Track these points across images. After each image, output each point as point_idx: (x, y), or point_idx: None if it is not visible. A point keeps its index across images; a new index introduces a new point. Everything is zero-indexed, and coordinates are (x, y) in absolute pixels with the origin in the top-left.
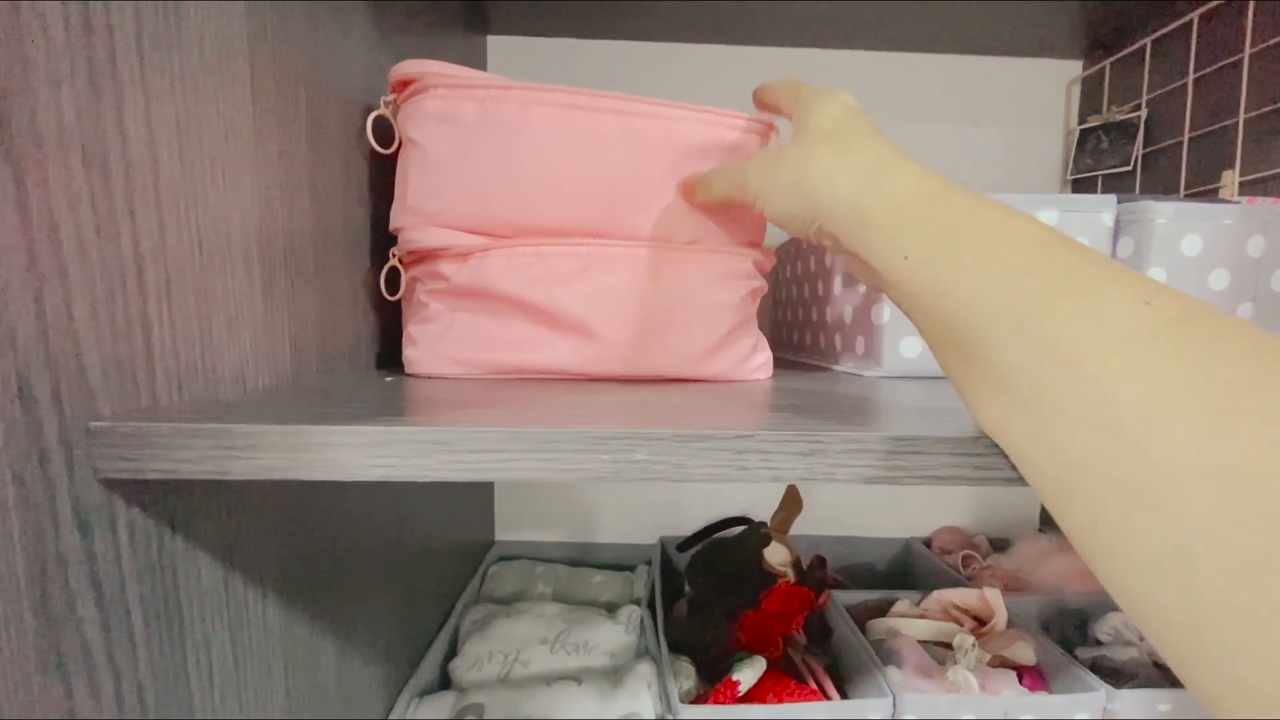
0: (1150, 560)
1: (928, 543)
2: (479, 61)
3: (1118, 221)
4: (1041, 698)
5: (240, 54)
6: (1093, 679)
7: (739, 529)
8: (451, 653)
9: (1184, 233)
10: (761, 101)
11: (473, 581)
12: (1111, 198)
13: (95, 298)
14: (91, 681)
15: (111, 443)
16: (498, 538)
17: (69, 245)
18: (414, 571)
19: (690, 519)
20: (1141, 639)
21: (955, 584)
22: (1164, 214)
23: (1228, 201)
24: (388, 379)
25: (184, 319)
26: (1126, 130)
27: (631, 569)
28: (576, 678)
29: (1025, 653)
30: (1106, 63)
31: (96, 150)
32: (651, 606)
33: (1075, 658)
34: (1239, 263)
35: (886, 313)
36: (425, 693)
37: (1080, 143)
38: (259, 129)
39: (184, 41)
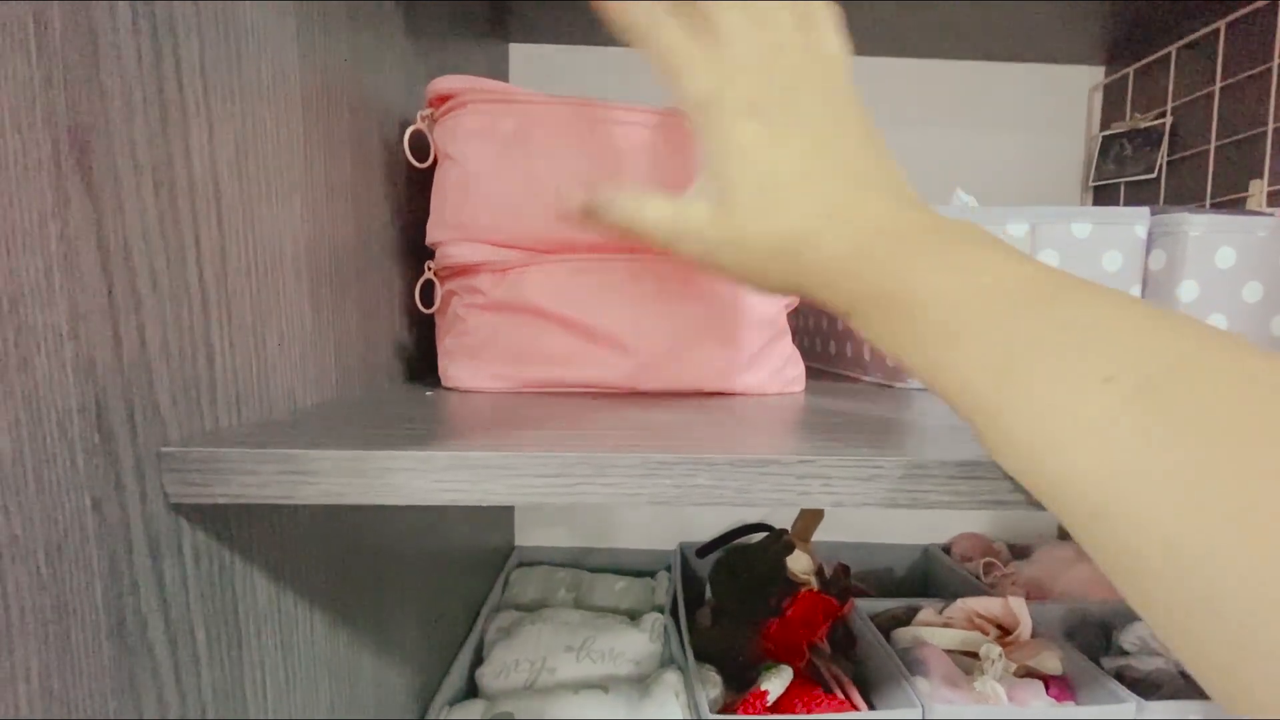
0: (1161, 621)
1: (947, 549)
2: (501, 69)
3: (1150, 234)
4: (1071, 709)
5: (292, 76)
6: (1122, 690)
7: (759, 535)
8: (478, 660)
9: (1218, 245)
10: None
11: (495, 588)
12: (1144, 210)
13: (165, 324)
14: (161, 702)
15: (182, 467)
16: (518, 543)
17: (142, 274)
18: (441, 578)
19: (708, 525)
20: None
21: (976, 591)
22: (1197, 226)
23: (1261, 213)
24: (428, 394)
25: (242, 340)
26: (1150, 137)
27: (651, 575)
28: (603, 686)
29: (1052, 662)
30: (1130, 69)
31: (165, 178)
32: (674, 614)
33: (1100, 667)
34: (1273, 275)
35: None
36: (454, 700)
37: (1103, 149)
38: (308, 148)
39: (243, 63)
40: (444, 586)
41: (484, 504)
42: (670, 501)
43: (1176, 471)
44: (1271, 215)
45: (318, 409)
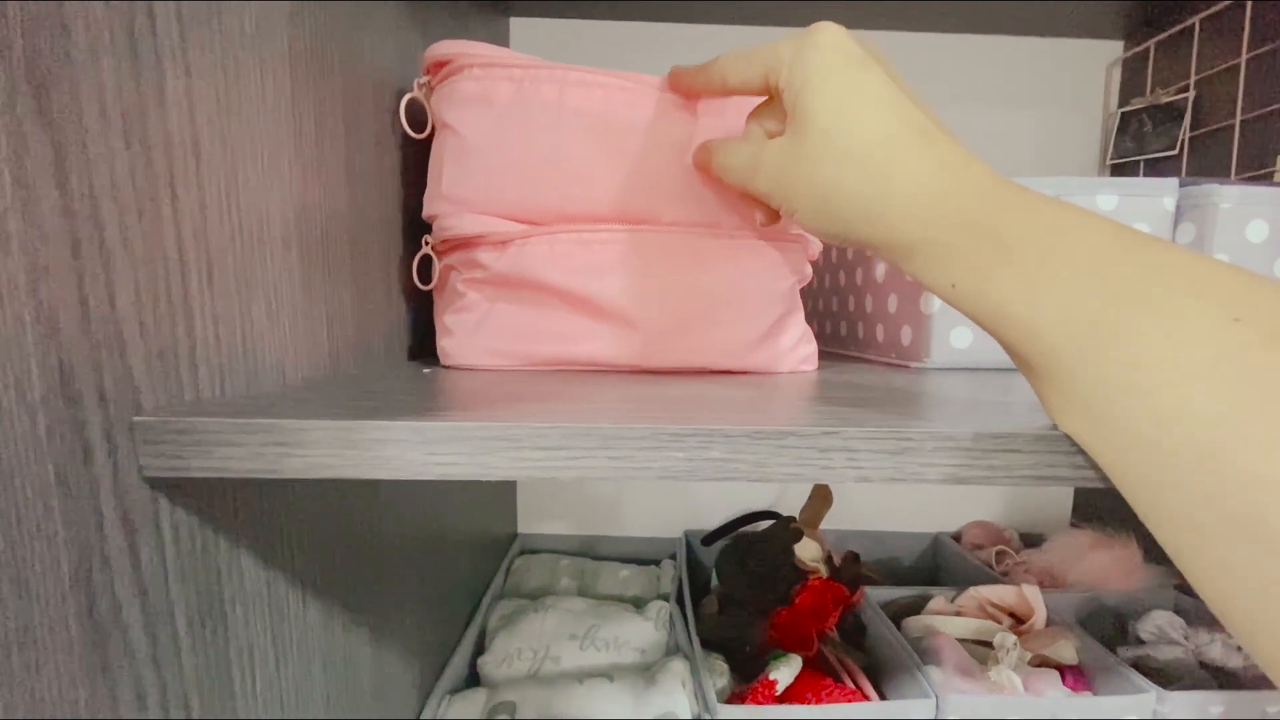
0: (1261, 591)
1: (957, 537)
2: (502, 43)
3: (1178, 206)
4: (1088, 699)
5: (279, 29)
6: (1141, 680)
7: (766, 523)
8: (480, 649)
9: (1249, 218)
10: (698, 86)
11: (497, 576)
12: (1173, 181)
13: (138, 284)
14: (138, 688)
15: (158, 439)
16: (520, 530)
17: (111, 228)
18: (441, 565)
19: (713, 512)
20: (1187, 638)
21: (987, 580)
22: (1229, 198)
23: None
24: (425, 370)
25: (226, 307)
26: (1171, 113)
27: (656, 563)
28: (608, 675)
29: (1067, 651)
30: (1151, 43)
31: (137, 126)
32: (679, 602)
33: (1117, 655)
34: None
35: (936, 301)
36: (455, 689)
37: (1121, 126)
38: (297, 108)
39: (224, 14)
40: (445, 573)
41: (482, 479)
42: (681, 476)
43: None
44: None
45: (307, 383)
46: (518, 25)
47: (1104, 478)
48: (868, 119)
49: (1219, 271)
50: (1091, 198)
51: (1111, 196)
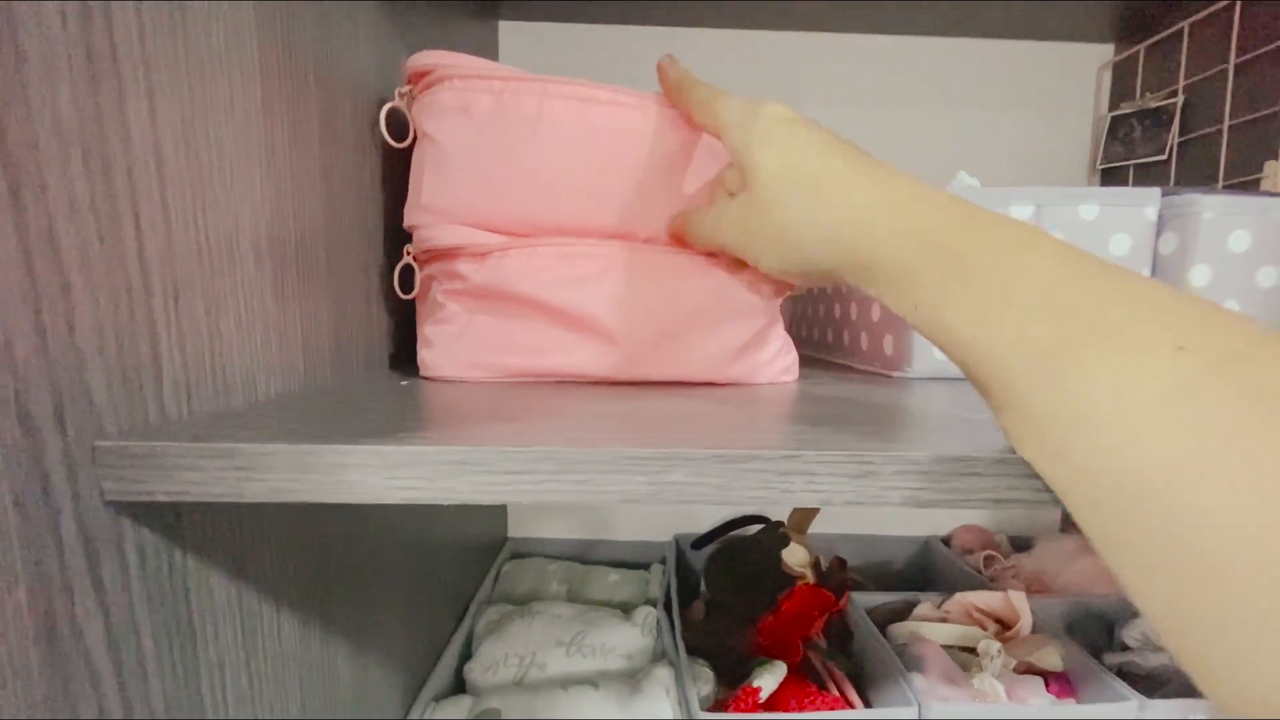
0: (1202, 622)
1: (947, 541)
2: (491, 48)
3: (1161, 216)
4: (1071, 707)
5: (248, 42)
6: (1124, 687)
7: (755, 528)
8: (466, 654)
9: (1231, 228)
10: (671, 90)
11: (486, 580)
12: (1155, 191)
13: (99, 308)
14: (102, 711)
15: (119, 464)
16: (510, 534)
17: (69, 255)
18: (428, 571)
19: (704, 516)
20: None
21: (976, 585)
22: (1211, 208)
23: (1276, 194)
24: (403, 382)
25: (192, 325)
26: (1161, 118)
27: (646, 567)
28: (593, 682)
29: (1052, 659)
30: (1141, 47)
31: (97, 151)
32: (667, 607)
33: (1102, 663)
34: None
35: None
36: (440, 696)
37: (1111, 130)
38: (269, 122)
39: (189, 30)
40: (432, 579)
41: (443, 502)
42: (643, 499)
43: (1253, 454)
44: None
45: (279, 399)
46: (507, 29)
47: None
48: (814, 159)
49: (1167, 300)
50: (1074, 208)
51: (1094, 206)
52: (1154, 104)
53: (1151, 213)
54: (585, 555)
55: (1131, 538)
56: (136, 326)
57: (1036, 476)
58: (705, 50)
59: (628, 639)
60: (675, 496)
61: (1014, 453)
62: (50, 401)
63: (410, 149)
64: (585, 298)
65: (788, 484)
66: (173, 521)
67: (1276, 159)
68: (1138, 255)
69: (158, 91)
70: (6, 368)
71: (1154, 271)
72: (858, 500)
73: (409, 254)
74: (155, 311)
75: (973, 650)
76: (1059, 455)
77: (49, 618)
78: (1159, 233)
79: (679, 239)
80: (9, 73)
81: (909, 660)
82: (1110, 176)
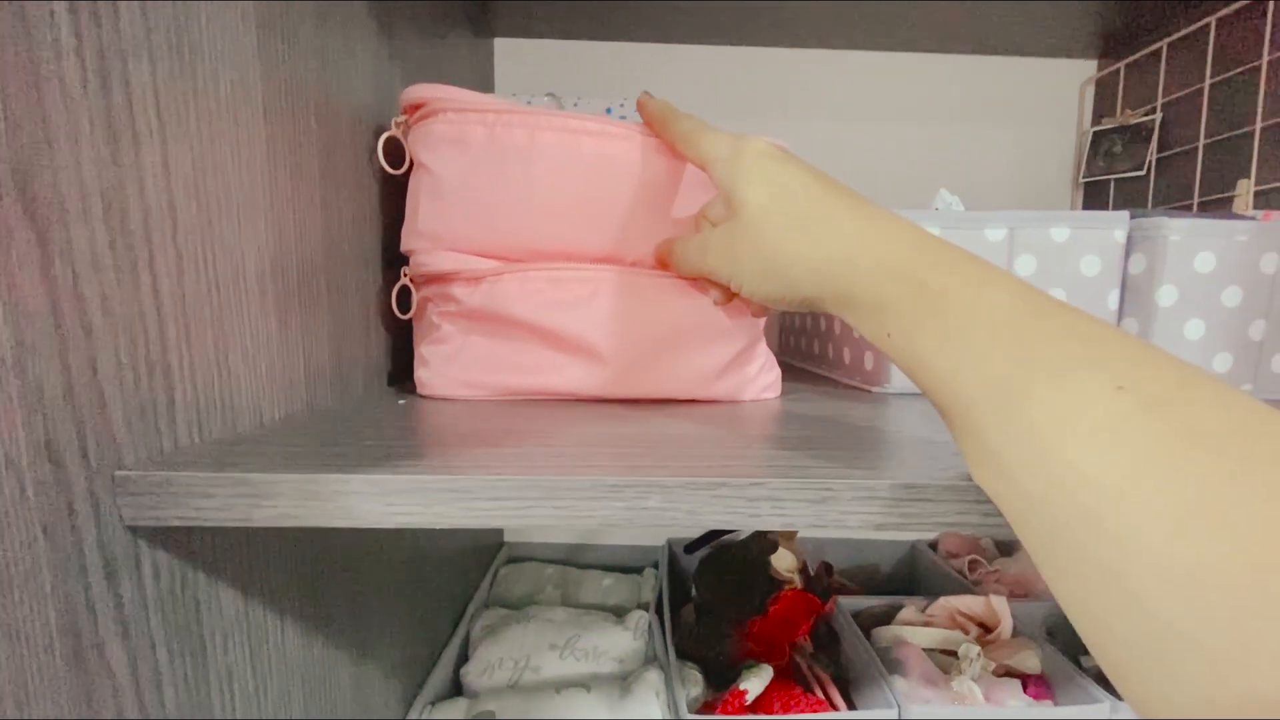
0: (1128, 641)
1: (934, 545)
2: (486, 64)
3: (1130, 237)
4: (1047, 709)
5: (254, 87)
6: (1097, 689)
7: (747, 533)
8: (463, 658)
9: (1197, 249)
10: (656, 126)
11: (483, 584)
12: (1124, 214)
13: (118, 349)
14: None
15: (137, 491)
16: (507, 539)
17: (91, 301)
18: (426, 575)
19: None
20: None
21: (961, 588)
22: (1177, 230)
23: (1242, 217)
24: (401, 401)
25: (203, 358)
26: (1140, 134)
27: (639, 571)
28: (586, 685)
29: (1031, 662)
30: (1121, 65)
31: (116, 203)
32: (659, 611)
33: (1080, 666)
34: (1252, 279)
35: None
36: (438, 699)
37: (1093, 145)
38: (272, 159)
39: (199, 80)
40: (430, 584)
41: (437, 526)
42: (621, 524)
43: (1179, 486)
44: (1253, 219)
45: (284, 423)
46: (502, 47)
47: (1009, 526)
48: (799, 193)
49: (1113, 340)
50: (1046, 230)
51: (1064, 229)
52: (1134, 120)
53: (1121, 235)
54: (580, 559)
55: (1068, 561)
56: (152, 363)
57: (984, 502)
58: (695, 66)
59: (620, 642)
60: (650, 521)
61: (964, 480)
62: (75, 437)
63: (406, 174)
64: (575, 320)
65: (755, 509)
66: (185, 542)
67: (1249, 177)
68: (1107, 276)
69: (170, 142)
70: (37, 409)
71: (1123, 291)
72: (818, 524)
73: (406, 276)
74: (169, 348)
75: (954, 653)
76: (1009, 481)
77: (75, 635)
78: (1128, 254)
79: (664, 265)
80: (35, 134)
81: (891, 663)
82: (1092, 190)
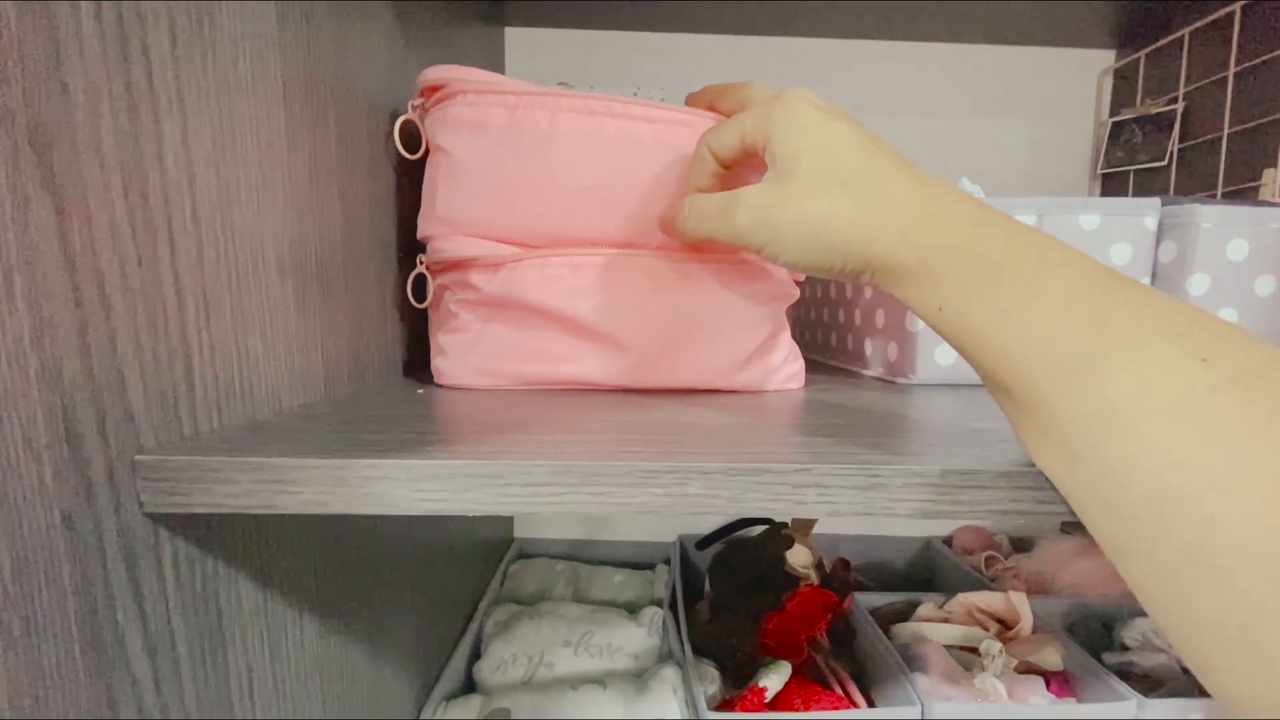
0: (1213, 625)
1: (948, 541)
2: (497, 53)
3: (1160, 225)
4: (1071, 706)
5: (273, 64)
6: (1123, 687)
7: (759, 529)
8: (476, 654)
9: (1230, 237)
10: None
11: (494, 581)
12: (1155, 201)
13: (138, 328)
14: (140, 714)
15: (158, 477)
16: (517, 535)
17: (111, 277)
18: (438, 572)
19: (708, 516)
20: (1170, 645)
21: (977, 585)
22: (1209, 218)
23: (1274, 204)
24: (419, 391)
25: (222, 341)
26: (1161, 124)
27: (650, 567)
28: (601, 681)
29: (1053, 658)
30: (1142, 54)
31: (136, 176)
32: (673, 607)
33: (1101, 663)
34: None
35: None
36: (451, 696)
37: (1112, 136)
38: (291, 140)
39: (219, 56)
40: (442, 580)
41: (468, 514)
42: (661, 511)
43: (1271, 463)
44: None
45: (304, 409)
46: (512, 35)
47: (1067, 511)
48: (851, 154)
49: (1188, 313)
50: (1075, 217)
51: (1094, 216)
52: (1154, 110)
53: (1151, 222)
54: (590, 555)
55: (1143, 543)
56: (172, 344)
57: (1040, 488)
58: (707, 55)
59: (634, 639)
60: (690, 508)
61: (1017, 465)
62: (94, 419)
63: (422, 160)
64: (596, 307)
65: (800, 495)
66: (204, 533)
67: (1275, 167)
68: (1138, 263)
69: (190, 117)
70: (55, 388)
71: (1153, 279)
72: (866, 512)
73: (422, 263)
74: (189, 330)
75: (974, 650)
76: (1078, 460)
77: (94, 627)
78: (1158, 241)
79: (669, 230)
80: (55, 104)
81: (912, 660)
82: (1111, 181)
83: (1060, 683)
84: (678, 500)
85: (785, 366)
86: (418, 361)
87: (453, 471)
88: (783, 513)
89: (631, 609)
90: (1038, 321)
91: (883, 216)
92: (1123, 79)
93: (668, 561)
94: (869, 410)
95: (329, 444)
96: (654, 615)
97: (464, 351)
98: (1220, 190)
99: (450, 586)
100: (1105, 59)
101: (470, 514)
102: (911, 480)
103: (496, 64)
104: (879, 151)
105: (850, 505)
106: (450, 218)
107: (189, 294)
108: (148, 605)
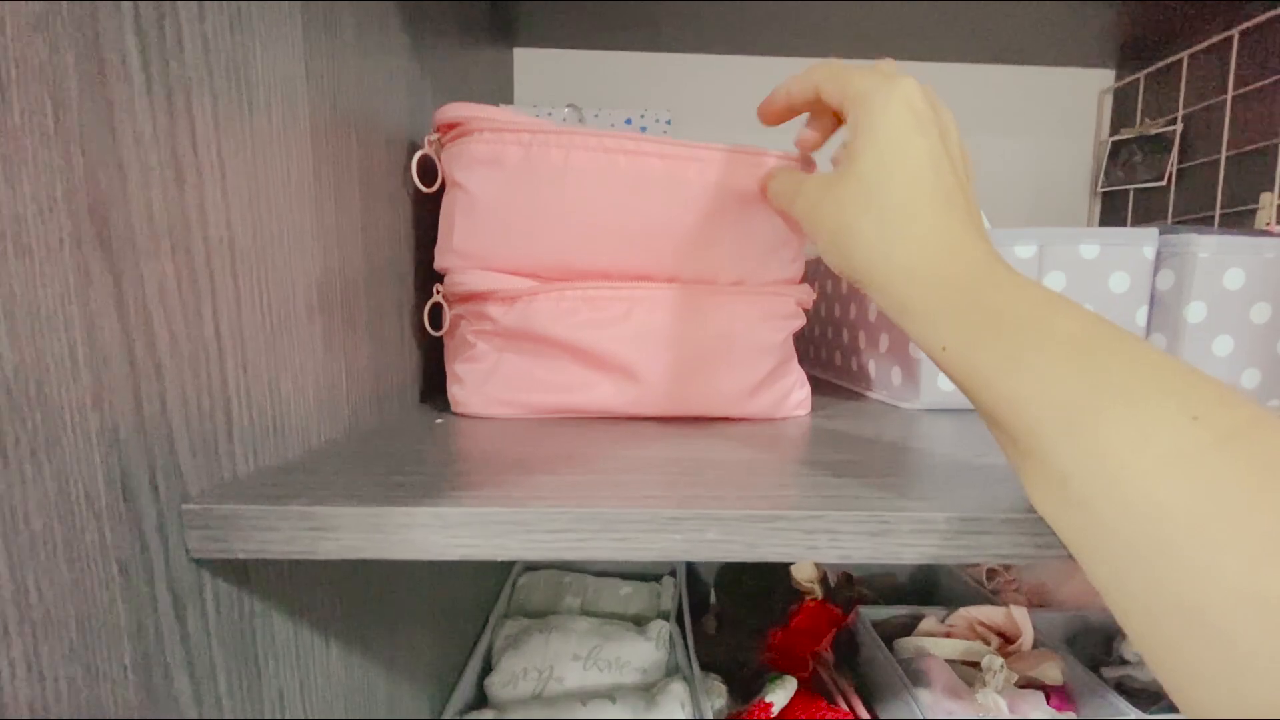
0: (1202, 673)
1: None
2: (506, 74)
3: (1159, 254)
4: None
5: (301, 109)
6: (1122, 702)
7: None
8: (487, 668)
9: (1226, 266)
10: (788, 106)
11: (503, 594)
12: (1153, 231)
13: (184, 383)
14: None
15: (204, 525)
16: None
17: (161, 338)
18: (450, 586)
19: None
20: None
21: (979, 598)
22: (1206, 248)
23: (1270, 233)
24: (438, 420)
25: (258, 387)
26: (1160, 144)
27: (657, 579)
28: (610, 696)
29: (1053, 673)
30: (1141, 75)
31: (182, 239)
32: (679, 620)
33: (1101, 677)
34: None
35: None
36: (464, 710)
37: (1112, 154)
38: (318, 180)
39: (254, 108)
40: (454, 593)
41: (497, 559)
42: (679, 556)
43: (1258, 520)
44: None
45: (331, 447)
46: (522, 56)
47: (1066, 554)
48: (902, 180)
49: (1181, 371)
50: (1075, 247)
51: (1094, 246)
52: (1154, 131)
53: (1150, 251)
54: (598, 567)
55: (1138, 590)
56: (214, 395)
57: (1040, 534)
58: (714, 75)
59: (642, 652)
60: (709, 553)
61: (1020, 512)
62: (146, 473)
63: (438, 191)
64: (609, 338)
65: (813, 541)
66: (242, 571)
67: (1271, 190)
68: (1136, 292)
69: (229, 174)
70: (113, 448)
71: (1151, 307)
72: (877, 557)
73: (439, 292)
74: (229, 379)
75: (976, 665)
76: (1075, 506)
77: (146, 667)
78: (1156, 270)
79: (763, 191)
80: (112, 181)
81: (914, 675)
82: (1110, 200)
83: (1060, 697)
84: (696, 546)
85: (793, 394)
86: (433, 385)
87: (482, 519)
88: (797, 557)
89: (639, 621)
90: (1039, 370)
91: (899, 250)
92: (1122, 99)
93: (674, 573)
94: (876, 443)
95: (363, 488)
96: (661, 629)
97: (481, 381)
98: (1218, 212)
99: (462, 599)
100: (1106, 78)
101: (500, 559)
102: (919, 527)
103: (506, 84)
104: (930, 182)
105: (860, 550)
106: (467, 251)
107: (228, 345)
108: (192, 643)
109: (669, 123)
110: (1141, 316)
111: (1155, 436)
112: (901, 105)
